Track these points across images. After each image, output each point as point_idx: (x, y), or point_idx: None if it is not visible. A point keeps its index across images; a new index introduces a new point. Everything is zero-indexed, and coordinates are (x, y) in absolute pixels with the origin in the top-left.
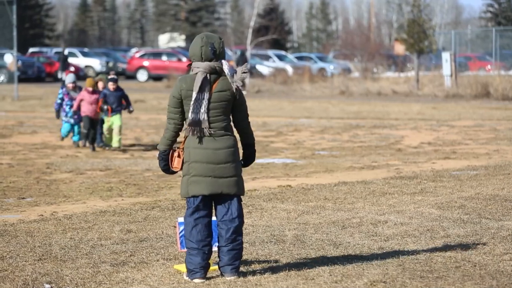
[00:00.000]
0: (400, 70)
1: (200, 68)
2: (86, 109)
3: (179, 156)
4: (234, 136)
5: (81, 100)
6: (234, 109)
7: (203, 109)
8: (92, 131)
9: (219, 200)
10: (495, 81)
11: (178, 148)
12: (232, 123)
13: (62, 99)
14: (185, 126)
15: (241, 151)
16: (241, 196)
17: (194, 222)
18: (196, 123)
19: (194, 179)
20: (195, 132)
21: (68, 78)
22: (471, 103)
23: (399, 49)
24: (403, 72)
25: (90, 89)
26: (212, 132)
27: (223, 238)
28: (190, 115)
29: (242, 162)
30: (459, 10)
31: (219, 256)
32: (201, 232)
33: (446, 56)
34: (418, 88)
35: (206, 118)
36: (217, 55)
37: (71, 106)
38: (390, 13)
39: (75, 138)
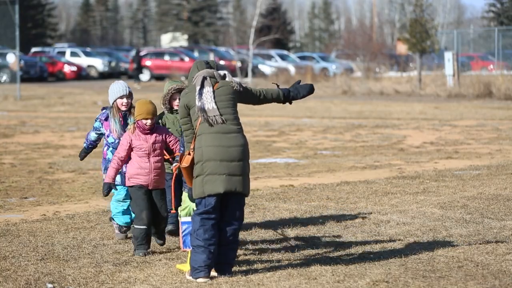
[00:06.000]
0: (403, 70)
1: (199, 73)
2: (136, 170)
3: (189, 154)
4: (245, 135)
5: (129, 149)
6: (246, 98)
7: (209, 98)
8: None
9: (226, 200)
10: (497, 80)
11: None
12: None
13: (98, 131)
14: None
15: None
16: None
17: (201, 222)
18: (203, 110)
19: (209, 177)
20: (206, 119)
21: (113, 90)
22: (474, 102)
23: (402, 48)
24: (406, 71)
25: (146, 122)
26: (224, 119)
27: (223, 237)
28: (197, 104)
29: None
30: (461, 9)
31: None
32: (208, 232)
33: (448, 55)
34: (420, 88)
35: (215, 106)
36: (211, 67)
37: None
38: (393, 13)
39: (121, 219)
